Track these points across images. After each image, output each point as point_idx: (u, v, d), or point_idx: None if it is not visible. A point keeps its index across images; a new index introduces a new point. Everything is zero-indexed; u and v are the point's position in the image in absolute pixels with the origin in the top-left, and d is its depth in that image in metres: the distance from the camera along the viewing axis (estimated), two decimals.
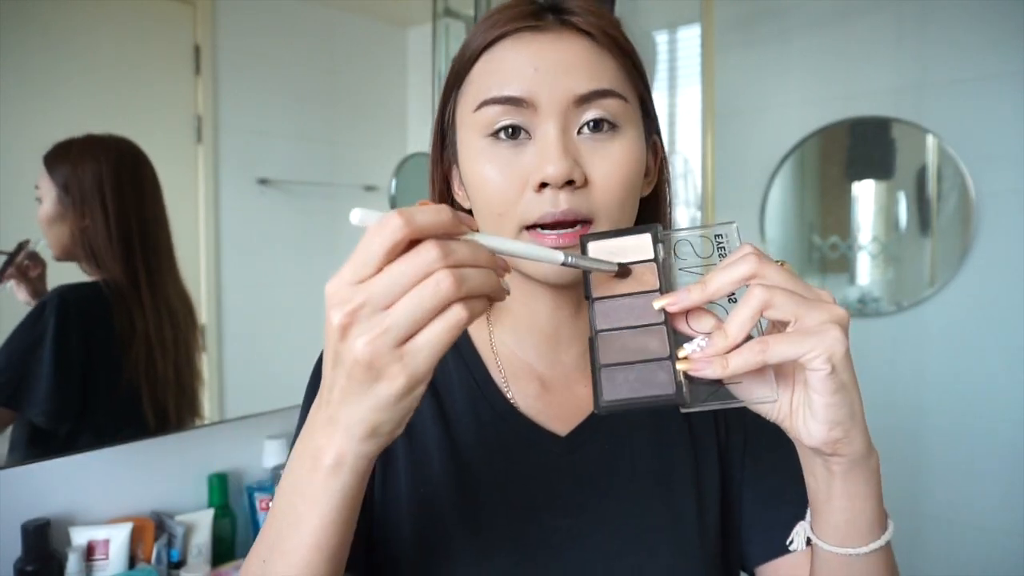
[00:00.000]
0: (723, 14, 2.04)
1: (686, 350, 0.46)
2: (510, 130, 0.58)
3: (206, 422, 1.33)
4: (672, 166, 2.61)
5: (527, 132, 0.58)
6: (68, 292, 1.13)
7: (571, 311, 0.66)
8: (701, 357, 0.45)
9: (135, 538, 1.17)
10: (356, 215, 0.41)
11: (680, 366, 0.46)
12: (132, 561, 1.16)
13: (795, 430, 0.48)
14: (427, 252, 0.39)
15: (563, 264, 0.49)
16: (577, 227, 0.57)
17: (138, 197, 1.21)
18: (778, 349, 0.44)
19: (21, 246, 1.10)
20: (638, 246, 0.53)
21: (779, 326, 0.47)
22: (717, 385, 0.48)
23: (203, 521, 1.26)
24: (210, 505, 1.32)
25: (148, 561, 1.18)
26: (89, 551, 1.12)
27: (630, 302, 0.51)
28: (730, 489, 0.68)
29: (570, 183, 0.56)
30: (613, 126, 0.58)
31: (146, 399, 1.21)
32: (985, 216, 1.93)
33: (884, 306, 2.11)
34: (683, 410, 0.47)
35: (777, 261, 0.47)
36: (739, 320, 0.45)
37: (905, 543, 2.05)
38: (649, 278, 0.51)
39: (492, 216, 0.59)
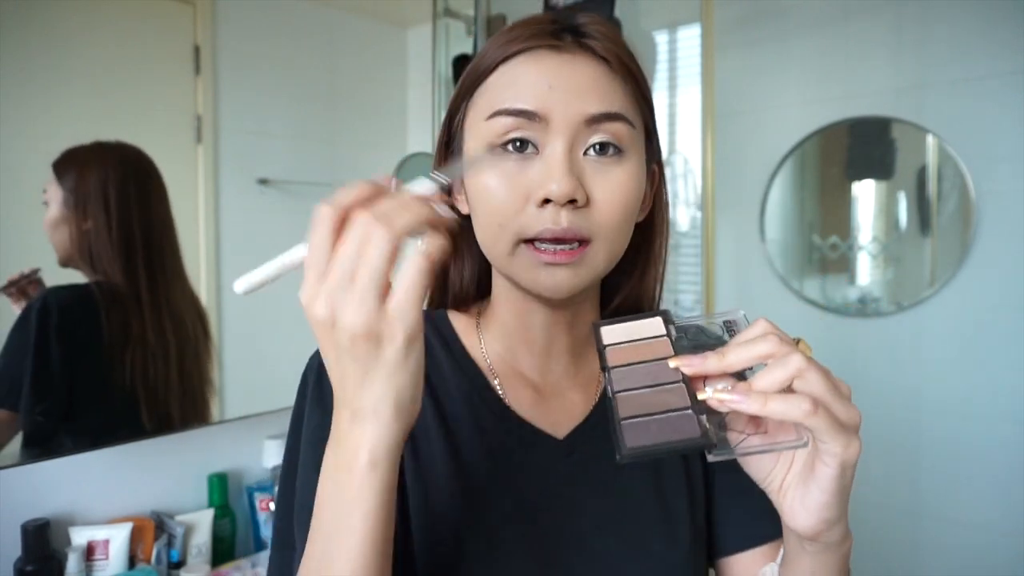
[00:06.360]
0: (723, 14, 2.04)
1: (708, 392, 0.46)
2: (518, 143, 0.59)
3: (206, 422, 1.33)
4: (672, 166, 2.62)
5: (535, 146, 0.59)
6: (51, 295, 1.12)
7: (565, 325, 0.67)
8: (737, 391, 0.45)
9: (135, 538, 1.17)
10: (240, 284, 0.46)
11: (717, 395, 0.45)
12: (132, 561, 1.16)
13: (780, 509, 0.51)
14: (358, 219, 0.43)
15: (433, 181, 0.50)
16: (575, 245, 0.58)
17: (143, 203, 1.21)
18: (819, 420, 0.43)
19: (29, 274, 1.11)
20: (651, 328, 0.56)
21: None
22: (739, 435, 0.49)
23: (203, 521, 1.26)
24: (210, 505, 1.32)
25: (148, 561, 1.18)
26: (89, 551, 1.12)
27: (646, 368, 0.52)
28: (709, 484, 0.71)
29: (572, 202, 0.57)
30: (619, 150, 0.60)
31: (143, 403, 1.20)
32: (985, 216, 1.93)
33: (884, 306, 2.11)
34: (710, 458, 0.48)
35: (795, 339, 0.48)
36: (770, 380, 0.45)
37: (905, 543, 2.05)
38: (662, 352, 0.53)
39: (492, 226, 0.60)
